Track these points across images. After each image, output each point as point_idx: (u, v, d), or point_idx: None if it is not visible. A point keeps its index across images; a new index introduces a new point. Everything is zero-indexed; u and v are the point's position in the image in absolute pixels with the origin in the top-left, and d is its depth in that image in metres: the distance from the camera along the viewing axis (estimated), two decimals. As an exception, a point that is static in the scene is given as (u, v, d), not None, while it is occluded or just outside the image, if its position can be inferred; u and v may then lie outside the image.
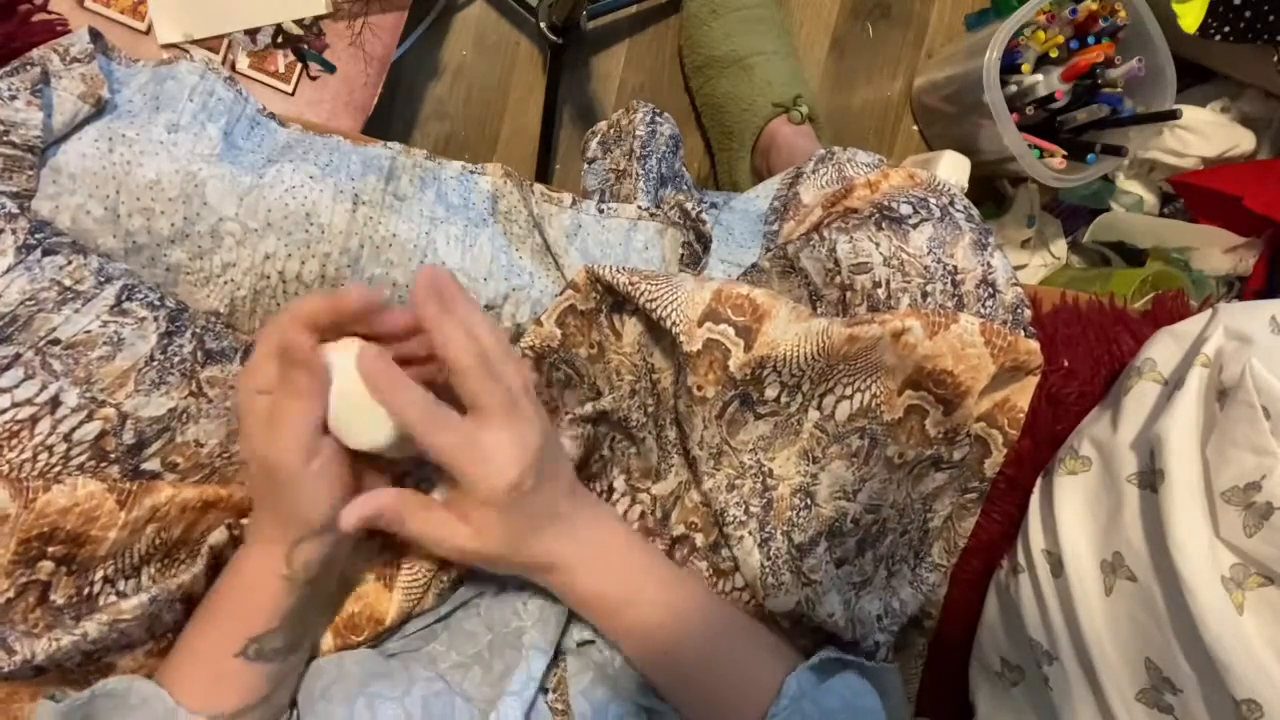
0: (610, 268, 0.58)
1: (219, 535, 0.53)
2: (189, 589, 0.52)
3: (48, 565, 0.49)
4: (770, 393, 0.58)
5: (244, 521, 0.55)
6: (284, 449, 0.46)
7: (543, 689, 0.53)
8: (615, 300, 0.59)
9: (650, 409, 0.61)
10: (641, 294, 0.57)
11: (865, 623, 0.60)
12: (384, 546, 0.57)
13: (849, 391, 0.59)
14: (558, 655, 0.55)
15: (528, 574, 0.53)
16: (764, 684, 0.52)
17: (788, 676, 0.52)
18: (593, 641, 0.56)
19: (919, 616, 0.68)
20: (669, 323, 0.56)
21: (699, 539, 0.60)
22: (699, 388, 0.57)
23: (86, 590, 0.50)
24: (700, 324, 0.56)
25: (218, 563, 0.53)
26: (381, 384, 0.46)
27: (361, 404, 0.47)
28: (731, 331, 0.56)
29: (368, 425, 0.48)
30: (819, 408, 0.59)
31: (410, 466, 0.59)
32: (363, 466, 0.51)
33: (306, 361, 0.46)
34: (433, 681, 0.51)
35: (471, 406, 0.47)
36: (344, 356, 0.47)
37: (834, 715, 0.51)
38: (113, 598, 0.51)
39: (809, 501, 0.59)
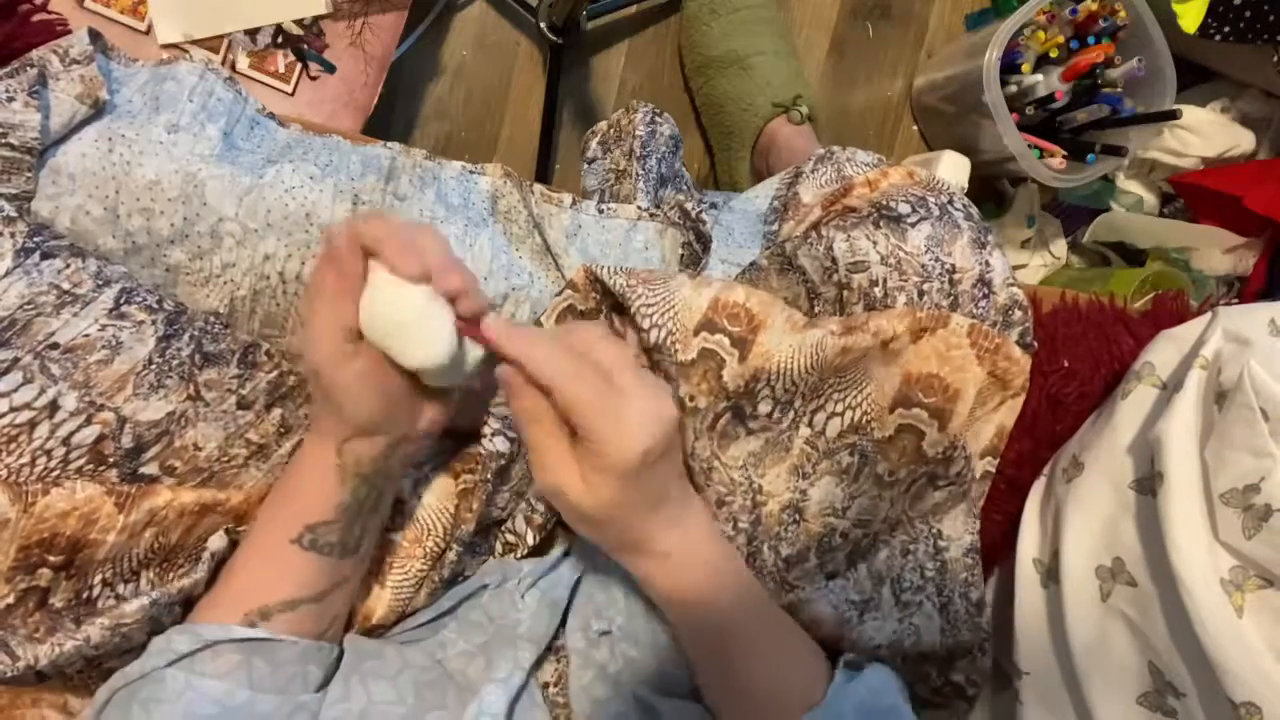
0: (608, 269, 0.58)
1: (218, 540, 0.53)
2: (189, 593, 0.52)
3: (47, 573, 0.49)
4: (763, 408, 0.58)
5: (242, 529, 0.55)
6: (316, 353, 0.46)
7: (545, 683, 0.53)
8: (615, 301, 0.59)
9: None
10: (637, 298, 0.56)
11: (858, 645, 0.59)
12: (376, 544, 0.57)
13: (840, 408, 0.59)
14: (560, 650, 0.55)
15: (613, 549, 0.51)
16: (804, 694, 0.51)
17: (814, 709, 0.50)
18: (609, 632, 0.56)
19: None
20: (664, 332, 0.56)
21: None
22: (690, 398, 0.56)
23: (85, 594, 0.50)
24: (696, 333, 0.56)
25: (219, 568, 0.53)
26: (515, 342, 0.45)
27: (406, 321, 0.46)
28: (727, 341, 0.56)
29: (411, 343, 0.46)
30: (810, 424, 0.59)
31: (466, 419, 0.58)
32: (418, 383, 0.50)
33: (340, 262, 0.45)
34: (428, 669, 0.51)
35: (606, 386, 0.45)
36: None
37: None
38: (111, 601, 0.51)
39: (797, 517, 0.59)
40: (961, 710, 0.65)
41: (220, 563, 0.53)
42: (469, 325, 0.47)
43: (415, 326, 0.46)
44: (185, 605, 0.52)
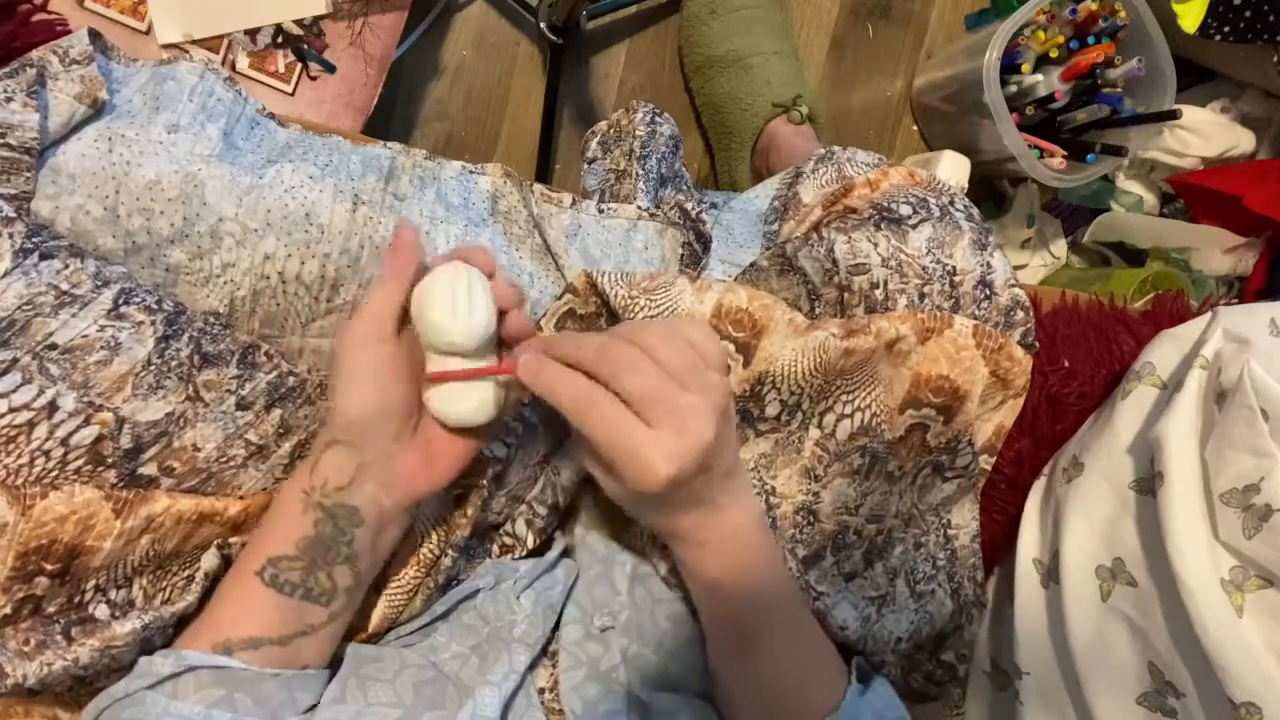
0: (608, 277, 0.58)
1: (211, 559, 0.53)
2: (181, 615, 0.52)
3: (44, 581, 0.49)
4: (771, 410, 0.58)
5: (233, 540, 0.55)
6: (353, 327, 0.48)
7: (540, 689, 0.53)
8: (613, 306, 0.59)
9: None
10: (639, 310, 0.56)
11: (879, 639, 0.59)
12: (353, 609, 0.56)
13: (849, 410, 0.59)
14: (556, 655, 0.55)
15: (666, 526, 0.50)
16: (822, 693, 0.51)
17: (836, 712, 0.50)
18: (612, 627, 0.56)
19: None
20: None
21: None
22: None
23: (77, 598, 0.50)
24: None
25: (212, 587, 0.53)
26: (542, 382, 0.46)
27: (443, 305, 0.48)
28: (731, 348, 0.56)
29: (456, 400, 0.50)
30: (819, 426, 0.59)
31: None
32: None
33: (404, 246, 0.49)
34: (425, 669, 0.51)
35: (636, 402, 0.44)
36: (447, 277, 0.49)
37: None
38: (103, 607, 0.51)
39: (812, 519, 0.59)
40: (955, 697, 0.65)
41: (215, 581, 0.53)
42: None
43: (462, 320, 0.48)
44: (178, 626, 0.52)
